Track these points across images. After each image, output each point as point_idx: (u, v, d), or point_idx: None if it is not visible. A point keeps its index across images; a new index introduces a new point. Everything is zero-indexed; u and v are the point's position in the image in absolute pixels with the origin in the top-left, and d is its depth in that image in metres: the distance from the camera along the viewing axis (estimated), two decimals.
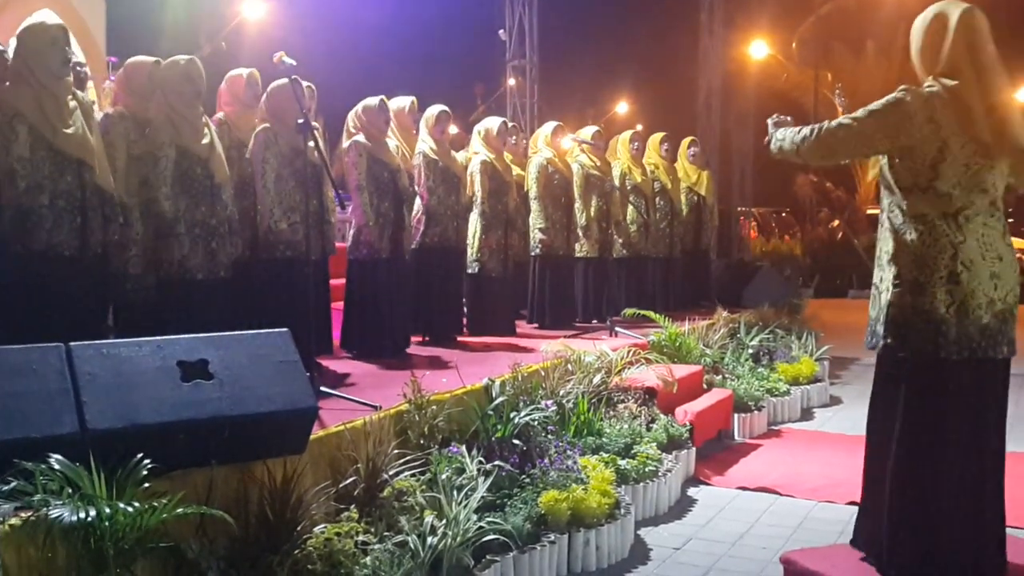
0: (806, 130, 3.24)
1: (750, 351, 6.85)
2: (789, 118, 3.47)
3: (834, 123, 3.16)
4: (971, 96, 3.00)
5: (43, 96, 3.74)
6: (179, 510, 2.52)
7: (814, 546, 3.64)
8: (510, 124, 7.13)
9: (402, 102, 5.94)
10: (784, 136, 3.33)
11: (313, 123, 4.44)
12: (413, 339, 5.83)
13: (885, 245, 3.17)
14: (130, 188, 4.25)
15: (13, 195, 3.64)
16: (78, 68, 4.64)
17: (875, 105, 3.08)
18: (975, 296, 3.00)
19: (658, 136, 8.68)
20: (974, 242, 3.01)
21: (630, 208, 8.09)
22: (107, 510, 2.44)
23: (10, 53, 4.01)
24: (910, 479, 3.11)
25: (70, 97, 3.85)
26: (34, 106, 3.72)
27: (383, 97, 5.47)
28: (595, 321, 7.42)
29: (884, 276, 3.16)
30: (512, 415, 3.94)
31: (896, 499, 3.12)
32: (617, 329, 6.62)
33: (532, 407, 4.07)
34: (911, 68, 3.21)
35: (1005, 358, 3.09)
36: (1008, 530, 3.21)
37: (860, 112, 3.11)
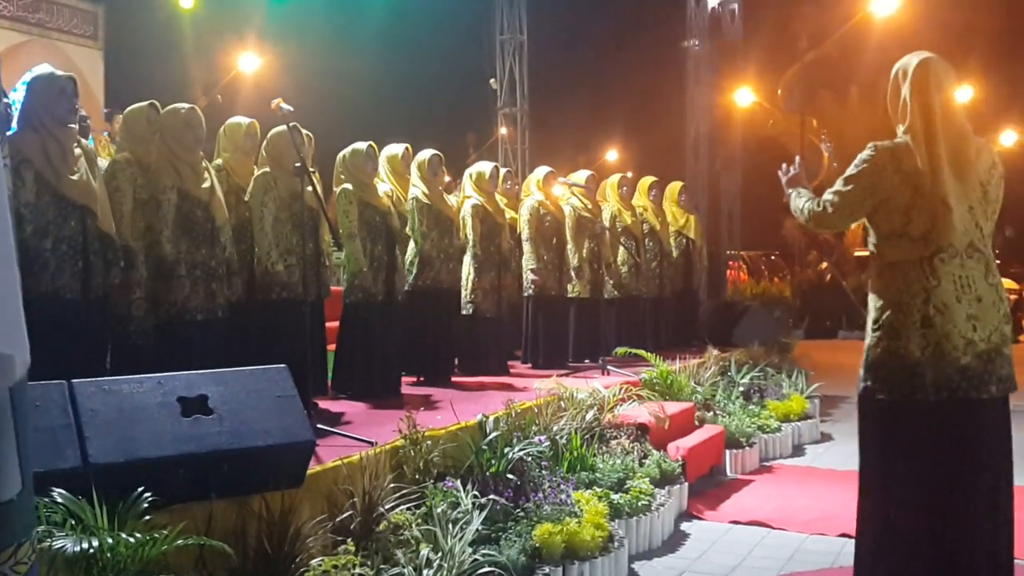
0: (807, 207, 3.34)
1: (741, 389, 6.92)
2: (793, 169, 3.51)
3: (825, 200, 3.26)
4: (918, 146, 3.10)
5: (48, 143, 3.86)
6: (179, 541, 2.57)
7: None
8: (503, 169, 7.28)
9: (396, 149, 6.07)
10: (795, 206, 3.42)
11: (311, 168, 4.57)
12: (407, 380, 5.89)
13: (872, 291, 3.26)
14: (136, 232, 4.34)
15: (19, 239, 3.73)
16: (82, 120, 4.78)
17: (850, 171, 3.19)
18: (950, 338, 3.03)
19: (647, 180, 8.85)
20: (949, 285, 3.05)
21: (621, 249, 8.22)
22: (109, 541, 2.49)
23: (12, 103, 4.13)
24: (895, 518, 3.14)
25: (75, 145, 3.96)
26: (40, 152, 3.84)
27: (371, 143, 5.60)
28: (588, 360, 7.49)
29: (868, 321, 3.25)
30: (506, 450, 4.00)
31: (881, 539, 3.16)
32: (609, 367, 6.69)
33: (526, 443, 4.13)
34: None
35: (994, 397, 3.09)
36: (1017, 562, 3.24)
37: (839, 183, 3.21)
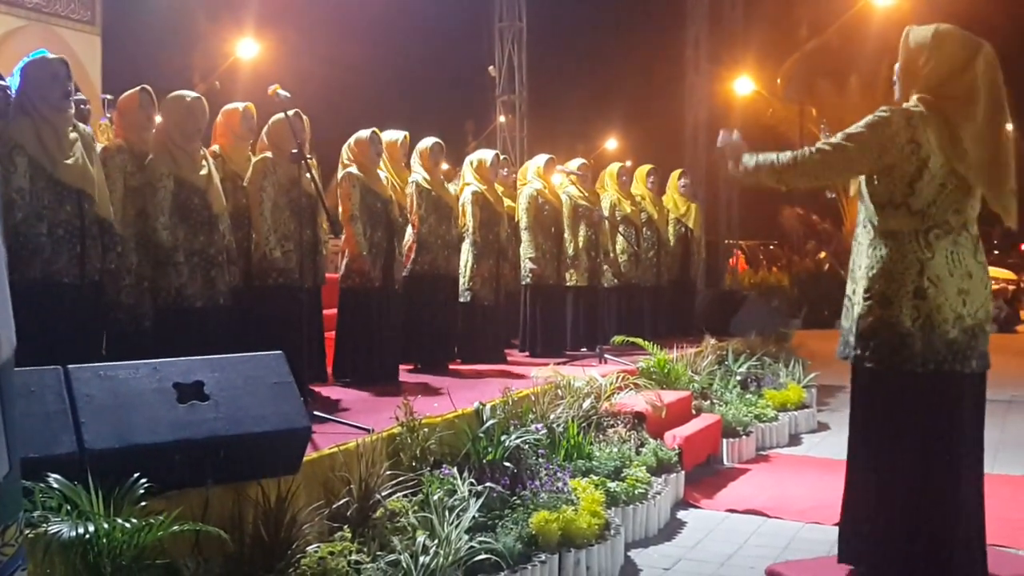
0: (787, 156, 3.27)
1: (738, 378, 6.92)
2: (734, 134, 3.43)
3: (816, 148, 3.21)
4: (957, 118, 3.08)
5: (42, 128, 3.84)
6: (175, 527, 2.57)
7: None
8: (502, 157, 7.26)
9: (394, 135, 6.05)
10: (761, 161, 3.33)
11: (308, 156, 4.55)
12: (404, 367, 5.89)
13: (859, 259, 3.27)
14: (126, 219, 4.33)
15: (12, 224, 3.71)
16: (81, 105, 4.76)
17: (856, 128, 3.14)
18: (941, 311, 3.08)
19: (645, 168, 8.83)
20: (943, 259, 3.10)
21: (620, 238, 8.21)
22: (105, 527, 2.49)
23: (8, 86, 4.11)
24: (882, 487, 3.19)
25: (70, 129, 3.94)
26: (33, 138, 3.82)
27: (375, 129, 5.59)
28: (585, 349, 7.49)
29: (856, 289, 3.26)
30: (503, 438, 3.99)
31: (868, 507, 3.21)
32: (607, 356, 6.69)
33: (523, 430, 4.13)
34: (893, 100, 3.31)
35: (975, 372, 3.15)
36: (1002, 549, 3.27)
37: (840, 136, 3.16)
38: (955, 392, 3.14)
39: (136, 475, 2.63)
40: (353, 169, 5.45)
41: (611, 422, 4.93)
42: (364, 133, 5.53)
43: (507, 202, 7.17)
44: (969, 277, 3.12)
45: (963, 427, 3.15)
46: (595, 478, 4.20)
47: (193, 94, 4.51)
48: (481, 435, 4.00)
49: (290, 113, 4.55)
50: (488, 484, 3.63)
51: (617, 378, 5.35)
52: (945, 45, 3.16)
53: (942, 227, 3.11)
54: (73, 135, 3.95)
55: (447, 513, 3.30)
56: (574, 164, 7.90)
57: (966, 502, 3.14)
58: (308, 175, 4.59)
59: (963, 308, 3.09)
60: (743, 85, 16.59)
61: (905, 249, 3.13)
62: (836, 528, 4.14)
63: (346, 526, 3.14)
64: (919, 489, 3.13)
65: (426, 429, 3.81)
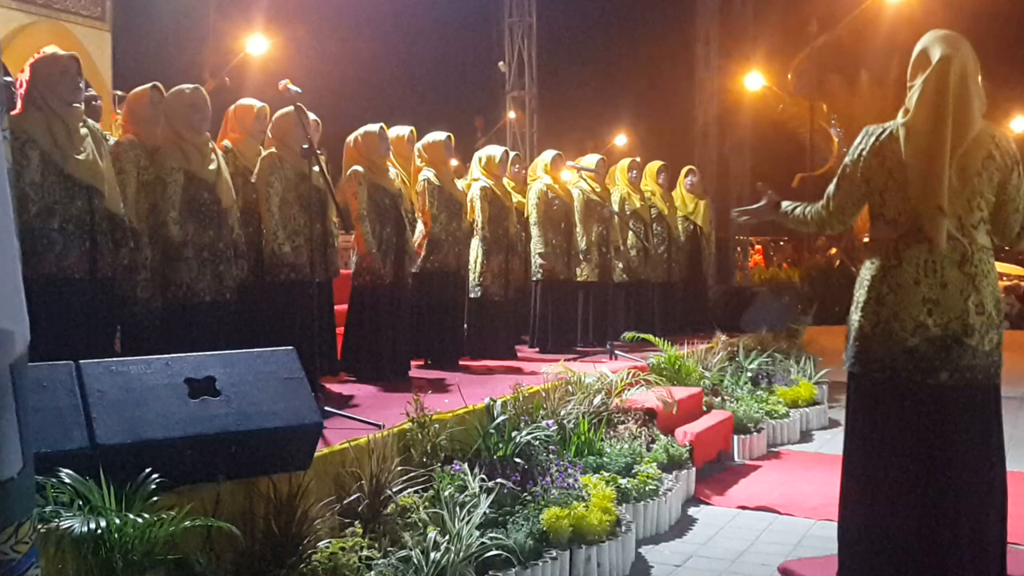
0: (812, 211, 3.38)
1: (749, 374, 6.89)
2: (765, 198, 3.56)
3: (829, 192, 3.33)
4: (910, 136, 3.08)
5: (54, 123, 3.84)
6: (187, 523, 2.57)
7: None
8: (512, 152, 7.24)
9: (401, 131, 6.04)
10: (799, 219, 3.44)
11: (317, 150, 4.55)
12: (415, 363, 5.89)
13: None
14: (140, 213, 4.34)
15: (25, 219, 3.72)
16: (92, 101, 4.76)
17: (846, 159, 3.28)
18: (898, 318, 3.08)
19: (655, 164, 8.79)
20: (911, 267, 3.08)
21: (630, 234, 8.19)
22: (116, 522, 2.49)
23: (19, 83, 4.11)
24: (850, 489, 3.25)
25: (81, 124, 3.95)
26: (45, 132, 3.82)
27: (383, 124, 5.57)
28: (596, 345, 7.47)
29: None
30: (513, 434, 3.99)
31: (861, 503, 3.24)
32: (617, 352, 6.67)
33: (533, 426, 4.12)
34: (903, 98, 3.31)
35: (947, 385, 3.06)
36: (1011, 546, 3.24)
37: (841, 168, 3.29)
38: (918, 401, 3.08)
39: (148, 470, 2.63)
40: (359, 167, 5.43)
41: (622, 418, 4.91)
42: (372, 127, 5.50)
43: (516, 197, 7.15)
44: (942, 287, 3.06)
45: (931, 440, 3.09)
46: (606, 474, 4.19)
47: (192, 86, 4.51)
48: (492, 431, 3.99)
49: (297, 107, 4.53)
50: (499, 480, 3.62)
51: (628, 374, 5.34)
52: (916, 57, 3.19)
53: (914, 235, 3.09)
54: (84, 131, 3.95)
55: (458, 509, 3.30)
56: (591, 160, 7.87)
57: (942, 508, 3.07)
58: (317, 169, 4.58)
59: (927, 318, 3.05)
60: (753, 81, 16.51)
61: (875, 256, 3.19)
62: None
63: (357, 522, 3.15)
64: (888, 490, 3.14)
65: (437, 425, 3.80)
